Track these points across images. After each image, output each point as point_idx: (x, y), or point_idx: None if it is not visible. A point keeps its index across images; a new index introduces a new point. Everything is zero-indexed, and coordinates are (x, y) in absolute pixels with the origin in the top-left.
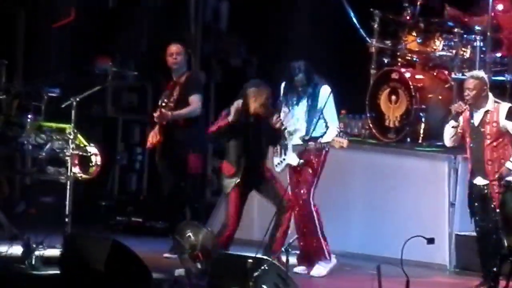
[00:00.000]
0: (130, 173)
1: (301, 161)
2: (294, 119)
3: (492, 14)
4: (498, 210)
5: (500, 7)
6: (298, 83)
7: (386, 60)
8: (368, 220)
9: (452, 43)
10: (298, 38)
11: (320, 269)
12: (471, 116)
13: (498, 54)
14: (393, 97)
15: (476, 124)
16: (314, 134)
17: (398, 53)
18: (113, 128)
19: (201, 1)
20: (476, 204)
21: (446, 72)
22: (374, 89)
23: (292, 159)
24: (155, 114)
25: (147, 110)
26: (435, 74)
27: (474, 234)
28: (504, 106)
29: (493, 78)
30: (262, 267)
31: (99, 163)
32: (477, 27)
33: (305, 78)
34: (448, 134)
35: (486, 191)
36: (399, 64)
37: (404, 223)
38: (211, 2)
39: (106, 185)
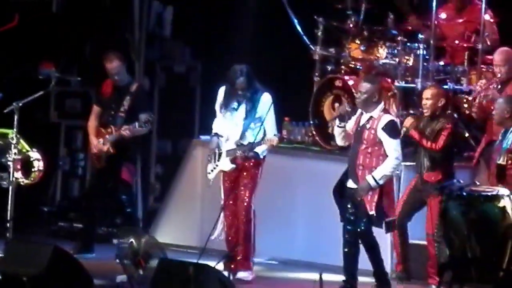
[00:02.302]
0: (73, 178)
1: (233, 166)
2: (231, 124)
3: (436, 22)
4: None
5: (443, 15)
6: (238, 86)
7: (329, 68)
8: (311, 228)
9: (396, 51)
10: (242, 45)
11: (245, 275)
12: (360, 120)
13: (441, 63)
14: (337, 105)
15: (359, 127)
16: (251, 140)
17: (342, 61)
18: (56, 133)
19: (145, 6)
20: (348, 206)
21: (390, 80)
22: (317, 97)
23: (225, 164)
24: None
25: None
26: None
27: (417, 242)
28: (386, 118)
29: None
30: (204, 273)
31: (41, 168)
32: (420, 35)
33: (246, 82)
34: (337, 133)
35: (354, 194)
36: (342, 71)
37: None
38: (155, 8)
39: (48, 190)
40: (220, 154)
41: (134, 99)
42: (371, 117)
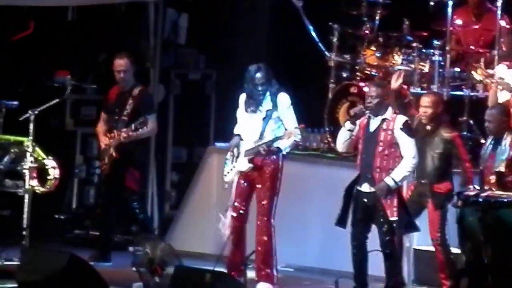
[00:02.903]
0: (88, 186)
1: (250, 165)
2: (250, 125)
3: (451, 28)
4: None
5: (459, 21)
6: (258, 81)
7: (345, 74)
8: (326, 234)
9: (411, 58)
10: (257, 52)
11: (265, 286)
12: (368, 124)
13: (457, 69)
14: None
15: (371, 130)
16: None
17: (357, 67)
18: (72, 141)
19: (160, 14)
20: (358, 212)
21: (405, 87)
22: (332, 103)
23: (242, 164)
24: (124, 135)
25: None
26: None
27: (433, 248)
28: (401, 118)
29: (452, 92)
30: (221, 281)
31: (57, 176)
32: (435, 42)
33: (265, 76)
34: (342, 138)
35: (370, 199)
36: (358, 78)
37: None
38: (171, 15)
39: (64, 198)
40: (238, 156)
41: (137, 102)
42: (384, 119)
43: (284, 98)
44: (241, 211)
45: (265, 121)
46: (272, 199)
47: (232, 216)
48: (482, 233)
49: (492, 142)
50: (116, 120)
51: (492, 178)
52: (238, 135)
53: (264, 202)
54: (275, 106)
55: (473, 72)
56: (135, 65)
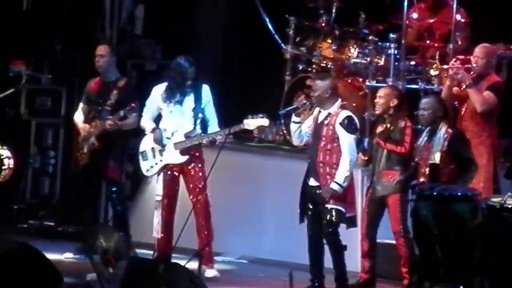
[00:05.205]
0: (43, 176)
1: (186, 157)
2: (179, 117)
3: (407, 22)
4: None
5: (415, 15)
6: (189, 75)
7: (300, 67)
8: (280, 226)
9: (367, 51)
10: (212, 43)
11: (214, 273)
12: (318, 117)
13: (412, 62)
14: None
15: (318, 123)
16: (198, 131)
17: (313, 60)
18: (26, 131)
19: (117, 4)
20: (309, 205)
21: (361, 80)
22: (288, 95)
23: (174, 157)
24: (110, 122)
25: (61, 113)
26: (349, 81)
27: (388, 241)
28: (344, 113)
29: (407, 86)
30: (174, 272)
31: (11, 166)
32: (391, 35)
33: (195, 71)
34: (292, 130)
35: (317, 194)
36: (314, 70)
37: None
38: (127, 6)
39: (19, 188)
40: (161, 149)
41: (121, 93)
42: (329, 113)
43: (207, 90)
44: (170, 205)
45: (195, 112)
46: (206, 183)
47: (162, 214)
48: (436, 226)
49: (428, 134)
50: (99, 110)
51: (427, 170)
52: (157, 127)
53: (200, 185)
54: (200, 96)
55: (427, 68)
56: (114, 56)
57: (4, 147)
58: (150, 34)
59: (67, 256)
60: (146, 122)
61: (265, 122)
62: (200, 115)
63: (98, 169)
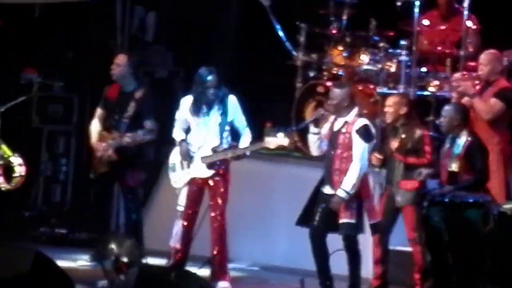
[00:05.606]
0: (54, 184)
1: (212, 171)
2: (205, 130)
3: (418, 28)
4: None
5: (426, 22)
6: (210, 84)
7: (312, 74)
8: (292, 234)
9: (378, 58)
10: (224, 51)
11: (226, 285)
12: (334, 125)
13: (424, 69)
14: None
15: (335, 131)
16: (224, 145)
17: (324, 67)
18: (38, 138)
19: (128, 11)
20: (317, 208)
21: (372, 86)
22: (299, 103)
23: (201, 171)
24: (127, 140)
25: (73, 121)
26: (360, 88)
27: (399, 248)
28: (360, 121)
29: (418, 93)
30: (186, 280)
31: (23, 173)
32: (402, 42)
33: (217, 80)
34: (311, 141)
35: (330, 202)
36: (325, 77)
37: (329, 236)
38: (138, 13)
39: (30, 195)
40: (190, 162)
41: (139, 105)
42: (345, 122)
43: (234, 100)
44: (192, 217)
45: (222, 127)
46: (227, 199)
47: (183, 224)
48: (447, 233)
49: (450, 141)
50: (116, 120)
51: (447, 177)
52: (184, 140)
53: (220, 202)
54: (226, 109)
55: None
56: (132, 67)
57: (16, 155)
58: (162, 42)
59: (79, 263)
60: (177, 134)
61: (285, 142)
62: (227, 127)
63: (115, 177)
